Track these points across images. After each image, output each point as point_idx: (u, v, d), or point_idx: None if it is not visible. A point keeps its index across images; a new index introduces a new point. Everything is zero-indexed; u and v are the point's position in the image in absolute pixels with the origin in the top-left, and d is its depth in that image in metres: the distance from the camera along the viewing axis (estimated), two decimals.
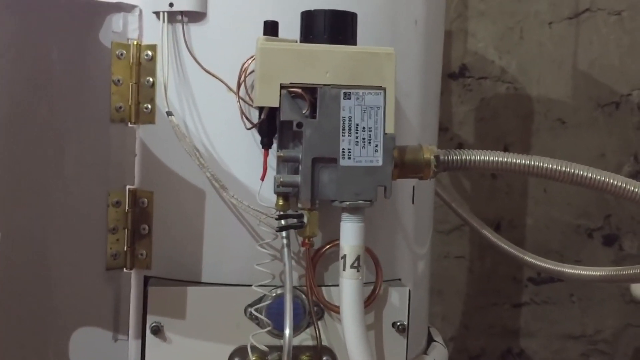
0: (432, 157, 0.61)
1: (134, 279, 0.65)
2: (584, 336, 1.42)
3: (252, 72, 0.61)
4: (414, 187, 0.70)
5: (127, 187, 0.64)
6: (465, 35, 1.41)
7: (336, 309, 0.62)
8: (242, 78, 0.61)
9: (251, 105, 0.61)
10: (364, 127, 0.58)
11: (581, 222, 1.40)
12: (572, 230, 1.40)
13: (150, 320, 0.60)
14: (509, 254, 0.94)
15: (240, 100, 0.61)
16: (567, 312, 1.41)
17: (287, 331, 0.56)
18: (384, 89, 0.58)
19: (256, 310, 0.60)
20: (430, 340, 0.76)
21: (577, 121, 1.40)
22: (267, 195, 0.61)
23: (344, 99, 0.57)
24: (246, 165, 0.62)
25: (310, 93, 0.57)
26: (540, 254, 0.93)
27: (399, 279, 0.68)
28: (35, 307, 0.62)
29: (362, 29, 0.60)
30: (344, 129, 0.57)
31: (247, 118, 0.61)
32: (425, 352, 0.74)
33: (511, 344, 1.41)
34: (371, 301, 0.62)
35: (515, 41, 1.41)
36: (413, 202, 0.70)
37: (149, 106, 0.64)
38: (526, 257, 0.92)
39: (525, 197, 1.41)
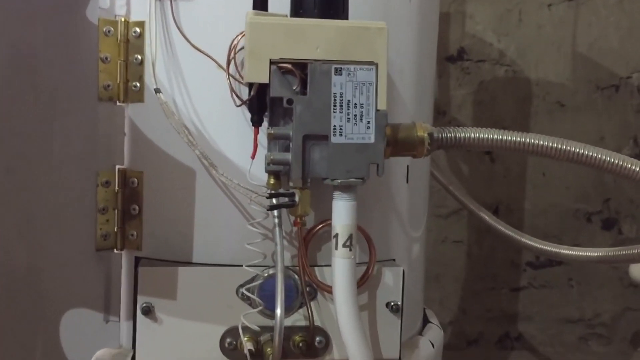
0: (426, 135, 0.60)
1: (124, 259, 0.64)
2: (582, 320, 1.41)
3: (241, 48, 0.60)
4: (408, 166, 0.69)
5: (117, 167, 0.63)
6: (463, 18, 1.39)
7: (329, 289, 0.61)
8: (232, 55, 0.60)
9: (241, 83, 0.60)
10: (355, 104, 0.56)
11: (580, 206, 1.39)
12: (570, 215, 1.39)
13: (141, 300, 0.60)
14: (507, 237, 0.94)
15: (230, 77, 0.60)
16: (566, 296, 1.40)
17: (278, 311, 0.56)
18: (376, 65, 0.56)
19: (247, 290, 0.59)
20: (425, 321, 0.75)
21: (576, 104, 1.39)
22: (257, 173, 0.60)
23: (335, 74, 0.56)
24: (236, 143, 0.61)
25: (300, 69, 0.56)
26: (538, 238, 0.92)
27: (393, 260, 0.67)
28: (25, 290, 0.61)
29: (354, 4, 0.59)
30: (335, 106, 0.56)
31: (237, 95, 0.60)
32: (420, 333, 0.73)
33: (509, 328, 1.41)
34: (364, 281, 0.62)
35: (514, 24, 1.40)
36: (407, 182, 0.69)
37: (138, 84, 0.63)
38: (523, 239, 0.91)
39: (523, 181, 1.40)
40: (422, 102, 0.71)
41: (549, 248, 0.89)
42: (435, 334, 0.73)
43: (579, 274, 1.40)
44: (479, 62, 1.40)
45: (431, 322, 0.75)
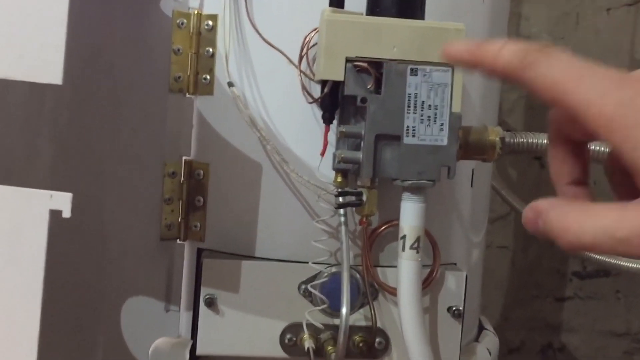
0: (498, 139, 0.59)
1: (187, 250, 0.64)
2: (628, 334, 1.38)
3: (314, 45, 0.59)
4: (473, 170, 0.68)
5: (183, 158, 0.64)
6: (518, 19, 1.37)
7: (392, 290, 0.61)
8: (304, 51, 0.60)
9: (312, 79, 0.60)
10: (429, 105, 0.56)
11: None
12: None
13: (204, 292, 0.60)
14: None
15: (302, 73, 0.60)
16: (612, 309, 1.37)
17: (344, 310, 0.55)
18: (452, 67, 0.56)
19: (312, 287, 0.59)
20: (481, 328, 0.74)
21: None
22: (324, 171, 0.59)
23: (410, 75, 0.55)
24: (304, 140, 0.61)
25: (375, 68, 0.55)
26: None
27: (454, 264, 0.66)
28: (89, 276, 0.62)
29: (429, 3, 0.58)
30: (409, 106, 0.55)
31: (307, 92, 0.60)
32: (476, 340, 0.72)
33: (552, 339, 1.38)
34: (428, 284, 0.61)
35: (571, 27, 1.36)
36: (472, 186, 0.68)
37: (208, 77, 0.63)
38: None
39: None
40: (489, 106, 0.70)
41: (606, 258, 0.87)
42: (491, 341, 0.72)
43: (627, 286, 1.36)
44: None
45: (486, 329, 0.74)
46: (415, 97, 0.55)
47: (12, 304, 0.39)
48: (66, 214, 0.38)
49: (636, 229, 0.25)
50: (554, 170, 0.32)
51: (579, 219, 0.26)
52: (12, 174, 0.49)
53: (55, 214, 0.39)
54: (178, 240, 0.64)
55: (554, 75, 0.27)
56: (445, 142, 0.56)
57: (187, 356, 0.62)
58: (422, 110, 0.56)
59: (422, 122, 0.56)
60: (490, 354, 0.70)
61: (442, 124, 0.56)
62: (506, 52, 0.29)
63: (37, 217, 0.38)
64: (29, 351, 0.39)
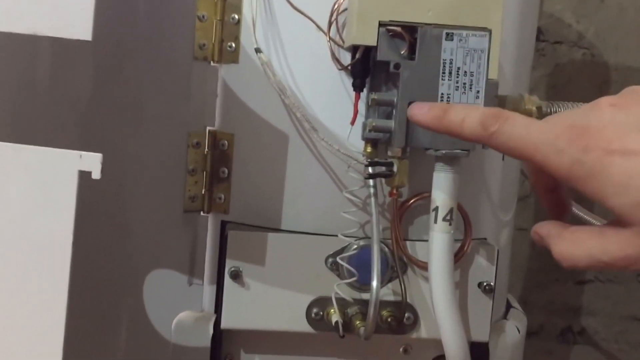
0: (534, 109, 0.57)
1: (210, 223, 0.63)
2: None
3: (344, 10, 0.57)
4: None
5: (208, 128, 0.62)
6: None
7: (422, 265, 0.59)
8: (334, 17, 0.58)
9: (341, 47, 0.58)
10: (465, 71, 0.54)
11: None
12: None
13: (230, 264, 0.59)
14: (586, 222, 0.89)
15: (331, 40, 0.58)
16: (633, 293, 1.35)
17: (374, 282, 0.54)
18: (490, 31, 0.53)
19: (341, 259, 0.58)
20: (508, 306, 0.73)
21: None
22: (353, 141, 0.58)
23: (445, 40, 0.53)
24: (332, 109, 0.59)
25: (409, 32, 0.53)
26: None
27: (485, 239, 0.64)
28: (112, 248, 0.61)
29: None
30: (444, 72, 0.53)
31: (337, 59, 0.58)
32: (504, 317, 0.70)
33: (572, 322, 1.36)
34: (459, 258, 0.59)
35: (595, 4, 1.33)
36: (503, 160, 0.66)
37: (233, 44, 0.61)
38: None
39: None
40: (521, 77, 0.68)
41: None
42: (519, 318, 0.70)
43: None
44: (555, 44, 1.34)
45: (514, 307, 0.73)
46: (451, 63, 0.53)
47: (41, 267, 0.38)
48: (96, 174, 0.37)
49: (617, 255, 0.31)
50: (532, 183, 0.41)
51: (570, 250, 0.33)
52: (36, 134, 0.48)
53: (84, 175, 0.37)
54: (202, 212, 0.63)
55: (514, 142, 0.34)
56: None
57: (211, 330, 0.60)
58: (457, 77, 0.53)
59: (457, 89, 0.54)
60: (519, 331, 0.68)
61: (478, 92, 0.54)
62: (468, 124, 0.37)
63: (66, 177, 0.36)
64: (58, 316, 0.37)
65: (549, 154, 0.33)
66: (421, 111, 0.41)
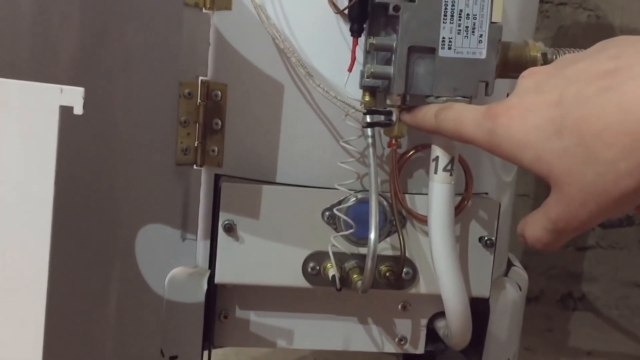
0: (539, 55, 0.55)
1: (204, 176, 0.61)
2: None
3: None
4: (508, 94, 0.63)
5: (200, 78, 0.60)
6: None
7: (421, 218, 0.57)
8: None
9: None
10: (467, 14, 0.51)
11: None
12: None
13: (223, 217, 0.57)
14: None
15: None
16: (634, 258, 1.34)
17: (372, 235, 0.52)
18: None
19: (338, 210, 0.56)
20: (509, 265, 0.71)
21: None
22: (350, 90, 0.55)
23: None
24: (328, 55, 0.57)
25: None
26: None
27: (486, 193, 0.63)
28: (103, 202, 0.59)
29: None
30: (445, 15, 0.51)
31: (333, 3, 0.55)
32: (505, 275, 0.69)
33: (572, 288, 1.35)
34: (460, 211, 0.57)
35: None
36: None
37: None
38: None
39: None
40: (525, 23, 0.65)
41: None
42: (520, 277, 0.69)
43: None
44: (559, 5, 1.31)
45: (515, 266, 0.71)
46: (453, 5, 0.51)
47: (23, 209, 0.36)
48: (78, 110, 0.35)
49: (556, 214, 0.31)
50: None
51: (531, 232, 0.34)
52: (23, 71, 0.45)
53: (66, 111, 0.35)
54: (194, 165, 0.61)
55: (451, 123, 0.42)
56: (483, 55, 0.51)
57: (205, 286, 0.59)
58: (459, 20, 0.51)
59: (459, 33, 0.51)
60: (520, 289, 0.67)
61: (481, 35, 0.51)
62: (427, 116, 0.47)
63: (47, 113, 0.34)
64: (40, 270, 0.36)
65: (471, 129, 0.37)
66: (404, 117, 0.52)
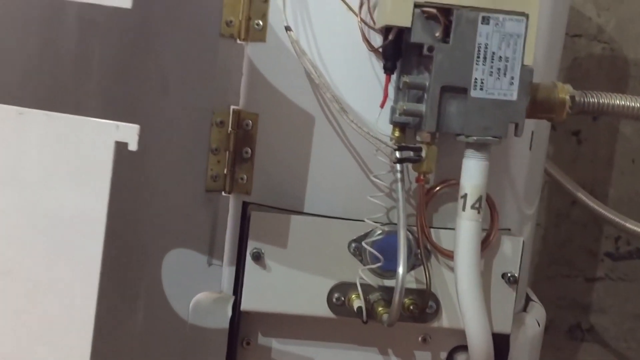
0: (568, 97, 0.56)
1: (232, 203, 0.62)
2: None
3: None
4: (532, 132, 0.64)
5: (232, 107, 0.61)
6: None
7: (447, 253, 0.58)
8: None
9: (372, 28, 0.57)
10: (500, 57, 0.52)
11: None
12: None
13: (251, 245, 0.58)
14: (608, 219, 0.88)
15: (361, 21, 0.57)
16: None
17: (400, 269, 0.53)
18: (527, 15, 0.52)
19: (366, 243, 0.57)
20: (527, 299, 0.72)
21: None
22: (380, 125, 0.56)
23: (481, 23, 0.52)
24: (360, 91, 0.58)
25: (445, 14, 0.52)
26: None
27: (509, 229, 0.63)
28: (132, 224, 0.60)
29: None
30: (478, 57, 0.52)
31: (367, 41, 0.57)
32: (524, 310, 0.69)
33: (580, 319, 1.35)
34: (485, 247, 0.58)
35: None
36: (530, 149, 0.65)
37: (261, 22, 0.60)
38: (628, 225, 0.86)
39: (610, 167, 1.33)
40: (551, 64, 0.67)
41: None
42: (539, 312, 0.70)
43: None
44: (574, 37, 1.32)
45: (533, 301, 0.72)
46: (486, 48, 0.52)
47: (76, 239, 0.37)
48: (132, 146, 0.36)
49: None
50: None
51: None
52: (61, 103, 0.46)
53: (120, 147, 0.36)
54: (223, 192, 0.62)
55: None
56: (514, 96, 0.53)
57: (230, 312, 0.60)
58: (492, 62, 0.52)
59: (491, 75, 0.52)
60: (539, 325, 0.67)
61: (512, 78, 0.53)
62: None
63: (102, 148, 0.35)
64: (90, 291, 0.37)
65: None
66: None
